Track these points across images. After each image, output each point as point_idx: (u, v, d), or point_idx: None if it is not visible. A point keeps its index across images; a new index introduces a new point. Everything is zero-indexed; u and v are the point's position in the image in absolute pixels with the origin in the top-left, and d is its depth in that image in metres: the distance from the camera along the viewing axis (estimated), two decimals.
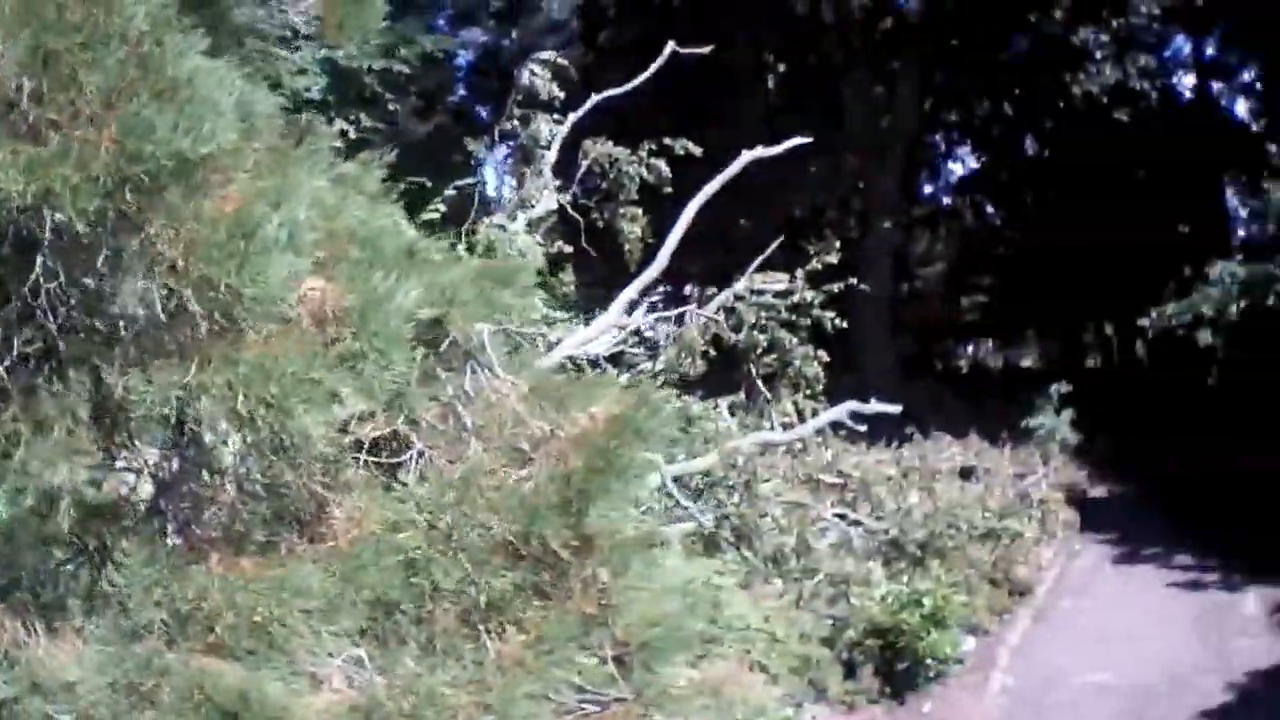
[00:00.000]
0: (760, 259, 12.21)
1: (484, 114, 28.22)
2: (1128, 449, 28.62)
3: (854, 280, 13.10)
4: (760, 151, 11.38)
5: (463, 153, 19.63)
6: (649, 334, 12.20)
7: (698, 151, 11.91)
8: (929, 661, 12.12)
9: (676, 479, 10.25)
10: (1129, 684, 12.60)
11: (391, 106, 22.08)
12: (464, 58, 30.58)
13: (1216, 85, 41.01)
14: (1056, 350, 47.22)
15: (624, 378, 10.32)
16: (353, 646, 3.33)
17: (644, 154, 12.08)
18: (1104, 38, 30.95)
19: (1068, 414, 22.86)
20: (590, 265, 12.98)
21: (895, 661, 11.86)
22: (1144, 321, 25.39)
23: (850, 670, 11.45)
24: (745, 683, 8.74)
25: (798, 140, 11.86)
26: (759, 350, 12.48)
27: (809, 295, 12.68)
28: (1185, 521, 21.12)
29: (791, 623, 10.62)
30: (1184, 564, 18.42)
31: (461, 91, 31.34)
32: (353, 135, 17.97)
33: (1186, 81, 41.95)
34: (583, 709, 3.72)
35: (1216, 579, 17.41)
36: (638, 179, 12.02)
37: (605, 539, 3.66)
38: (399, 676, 3.33)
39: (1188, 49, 40.70)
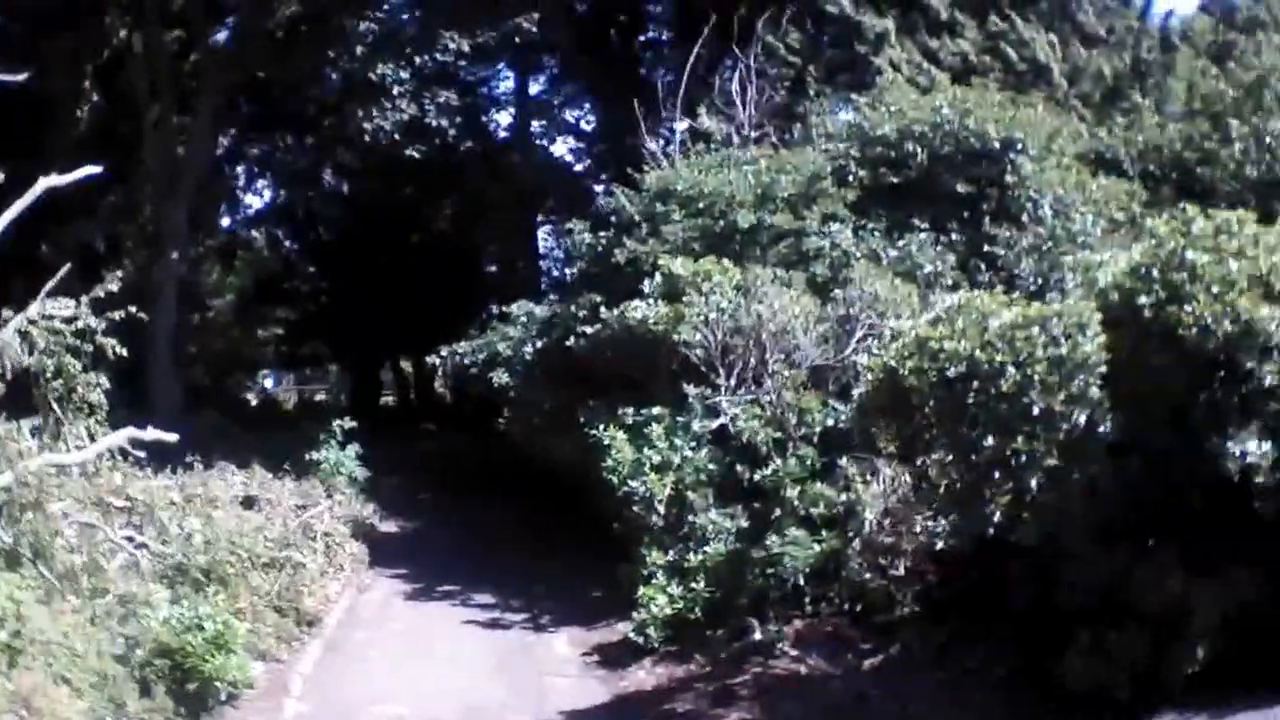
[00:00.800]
0: (51, 284, 13.25)
1: None
2: (421, 486, 30.83)
3: (133, 309, 14.01)
4: (55, 180, 12.58)
5: None
6: None
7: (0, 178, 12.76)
8: (218, 684, 12.79)
9: None
10: (426, 717, 13.47)
11: None
12: None
13: (538, 123, 43.91)
14: (349, 385, 49.29)
15: None
16: None
17: None
18: (404, 74, 32.74)
19: (353, 449, 24.42)
20: None
21: (186, 682, 12.48)
22: (435, 360, 26.86)
23: (146, 689, 11.94)
24: (53, 695, 9.83)
25: (89, 170, 13.16)
26: (48, 374, 13.41)
27: (93, 322, 13.70)
28: (483, 561, 22.23)
29: (89, 639, 11.32)
30: (485, 603, 19.20)
31: None
32: None
33: (503, 119, 44.77)
34: None
35: (524, 619, 18.25)
36: None
37: None
38: None
39: (509, 85, 43.42)
